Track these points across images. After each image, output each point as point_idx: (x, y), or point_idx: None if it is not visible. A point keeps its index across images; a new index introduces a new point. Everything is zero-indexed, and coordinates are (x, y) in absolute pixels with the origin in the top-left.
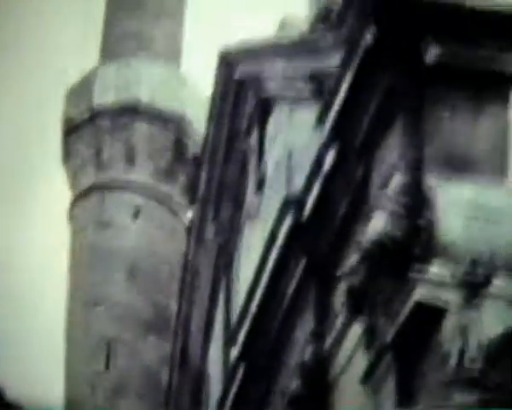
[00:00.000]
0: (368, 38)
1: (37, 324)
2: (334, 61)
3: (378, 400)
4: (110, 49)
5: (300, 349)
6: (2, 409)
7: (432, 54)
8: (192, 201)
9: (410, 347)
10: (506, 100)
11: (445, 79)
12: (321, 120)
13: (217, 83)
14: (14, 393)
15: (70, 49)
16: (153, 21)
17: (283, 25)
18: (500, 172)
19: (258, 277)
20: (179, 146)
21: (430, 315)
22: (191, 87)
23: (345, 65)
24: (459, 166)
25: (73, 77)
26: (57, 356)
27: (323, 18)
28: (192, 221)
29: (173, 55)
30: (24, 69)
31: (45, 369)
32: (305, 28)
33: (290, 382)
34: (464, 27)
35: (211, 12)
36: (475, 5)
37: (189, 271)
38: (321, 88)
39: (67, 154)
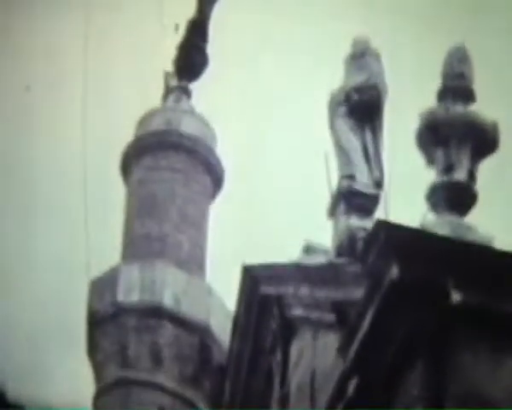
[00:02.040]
0: (392, 273)
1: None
2: (357, 291)
3: None
4: (133, 248)
5: None
6: (3, 409)
7: (456, 294)
8: (216, 407)
9: None
10: None
11: (470, 321)
12: (343, 349)
13: (241, 297)
14: (15, 393)
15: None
16: (176, 227)
17: (307, 249)
18: None
19: None
20: (204, 353)
21: None
22: (215, 297)
23: (368, 298)
24: (479, 404)
25: (95, 270)
26: (59, 357)
27: (347, 247)
28: None
29: (197, 263)
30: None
31: (47, 369)
32: (328, 255)
33: None
34: (490, 270)
35: (234, 226)
36: (502, 249)
37: None
38: (344, 317)
39: (92, 346)
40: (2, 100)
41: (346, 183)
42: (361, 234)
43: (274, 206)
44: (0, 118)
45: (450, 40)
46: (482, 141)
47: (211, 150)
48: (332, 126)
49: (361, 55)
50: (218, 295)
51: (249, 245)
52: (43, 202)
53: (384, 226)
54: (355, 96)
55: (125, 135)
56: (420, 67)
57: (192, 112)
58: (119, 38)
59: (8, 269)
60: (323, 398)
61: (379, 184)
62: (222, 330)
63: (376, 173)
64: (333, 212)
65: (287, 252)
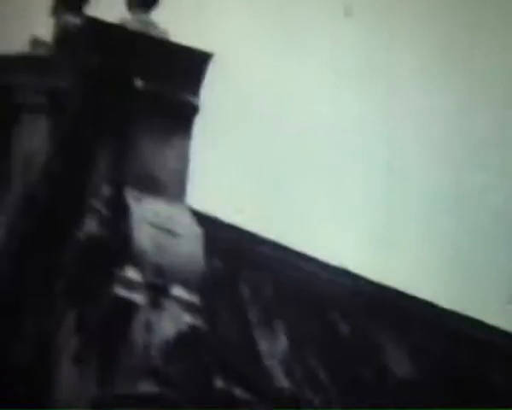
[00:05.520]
0: (91, 63)
1: None
2: (66, 80)
3: (84, 380)
4: None
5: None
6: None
7: (138, 81)
8: None
9: (110, 335)
10: (189, 130)
11: (147, 107)
12: (53, 132)
13: None
14: None
15: None
16: None
17: (33, 43)
18: (181, 193)
19: None
20: None
21: (127, 310)
22: None
23: (73, 85)
24: (151, 185)
25: None
26: None
27: (62, 40)
28: None
29: None
30: None
31: None
32: (49, 48)
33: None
34: (168, 62)
35: None
36: (171, 41)
37: None
38: (56, 103)
39: None
40: None
41: None
42: (73, 29)
43: None
44: None
45: None
46: None
47: None
48: None
49: None
50: None
51: None
52: None
53: (89, 22)
54: None
55: None
56: None
57: None
58: None
59: None
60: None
61: None
62: None
63: None
64: (54, 10)
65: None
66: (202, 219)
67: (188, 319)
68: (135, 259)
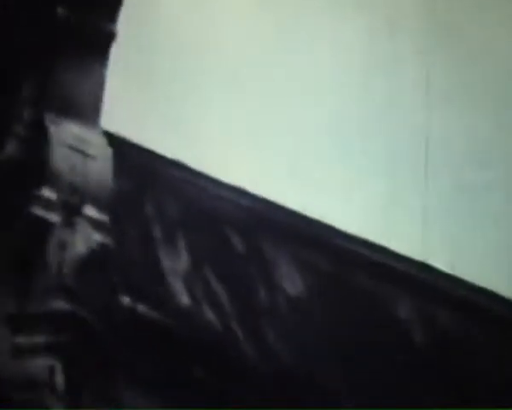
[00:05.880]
0: None
1: None
2: None
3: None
4: None
5: None
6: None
7: (59, 9)
8: None
9: (26, 256)
10: (107, 56)
11: (68, 33)
12: None
13: None
14: None
15: None
16: None
17: None
18: (96, 116)
19: None
20: None
21: (43, 229)
22: None
23: None
24: (69, 109)
25: None
26: None
27: None
28: None
29: None
30: None
31: None
32: None
33: None
34: None
35: None
36: None
37: None
38: None
39: None
40: None
41: None
42: None
43: None
44: None
45: None
46: None
47: None
48: None
49: None
50: None
51: None
52: None
53: None
54: None
55: None
56: None
57: None
58: None
59: None
60: None
61: None
62: None
63: None
64: None
65: None
66: (114, 141)
67: (98, 237)
68: (51, 180)
